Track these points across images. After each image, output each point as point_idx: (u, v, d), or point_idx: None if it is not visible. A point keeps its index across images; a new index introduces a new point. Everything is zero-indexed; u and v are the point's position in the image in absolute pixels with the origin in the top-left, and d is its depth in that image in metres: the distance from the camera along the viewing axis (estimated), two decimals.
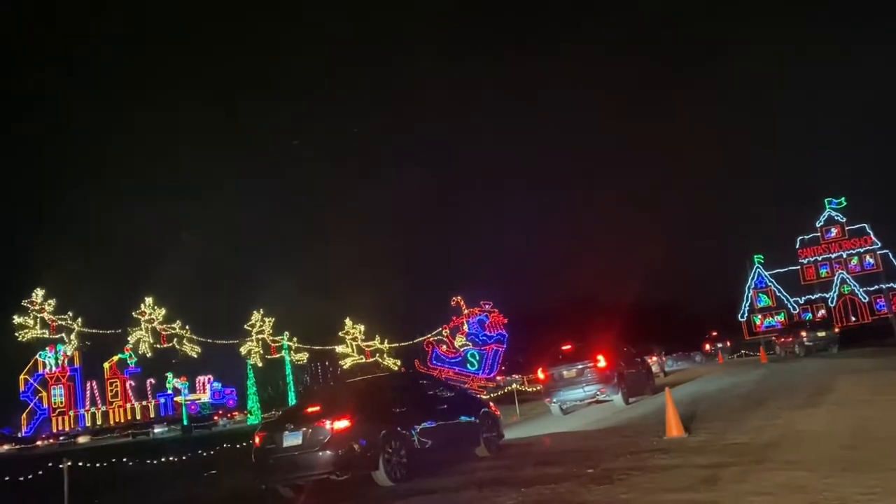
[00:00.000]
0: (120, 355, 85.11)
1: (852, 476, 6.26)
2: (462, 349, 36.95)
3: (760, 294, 65.00)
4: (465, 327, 37.34)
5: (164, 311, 31.84)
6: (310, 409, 10.21)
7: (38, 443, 61.61)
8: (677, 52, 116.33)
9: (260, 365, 39.01)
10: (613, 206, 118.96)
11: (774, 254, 65.31)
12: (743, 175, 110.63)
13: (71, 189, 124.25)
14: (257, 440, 10.06)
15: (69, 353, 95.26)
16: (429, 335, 37.53)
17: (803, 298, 62.73)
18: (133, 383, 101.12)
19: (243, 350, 35.37)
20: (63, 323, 29.65)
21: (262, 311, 35.38)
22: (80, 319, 30.30)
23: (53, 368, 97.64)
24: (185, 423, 55.91)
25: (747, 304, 65.36)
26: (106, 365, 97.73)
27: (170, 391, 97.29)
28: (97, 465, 13.21)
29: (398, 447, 9.72)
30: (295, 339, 37.00)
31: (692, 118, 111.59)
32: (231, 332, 36.75)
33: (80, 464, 12.74)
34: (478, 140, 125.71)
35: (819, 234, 62.77)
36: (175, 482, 14.46)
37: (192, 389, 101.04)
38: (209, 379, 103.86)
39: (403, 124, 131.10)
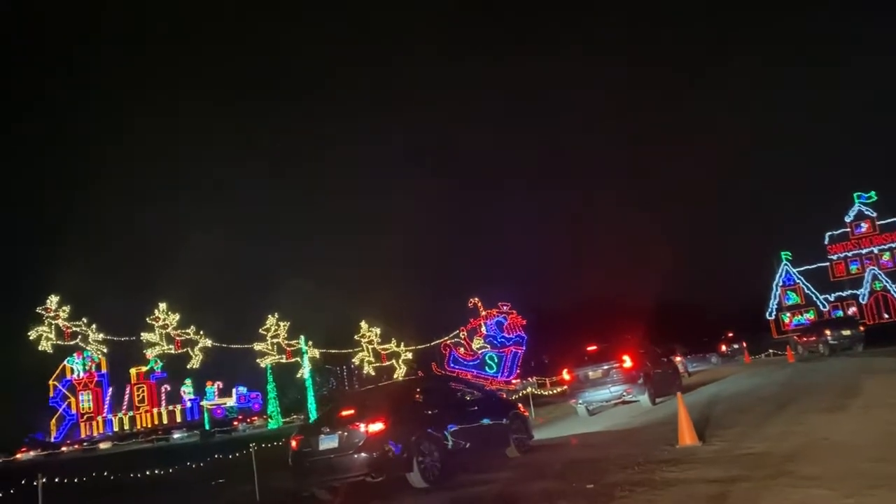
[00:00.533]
0: (150, 365, 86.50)
1: (880, 496, 5.59)
2: (480, 351, 36.39)
3: (788, 292, 63.46)
4: (483, 329, 36.79)
5: (178, 317, 31.67)
6: (344, 413, 10.41)
7: (64, 448, 61.94)
8: (695, 49, 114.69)
9: (272, 368, 38.79)
10: (635, 205, 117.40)
11: (802, 250, 63.78)
12: (767, 171, 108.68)
13: (82, 193, 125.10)
14: (294, 444, 10.23)
15: (96, 360, 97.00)
16: (446, 338, 37.00)
17: (833, 295, 61.04)
18: (168, 387, 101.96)
19: (258, 355, 35.06)
20: (78, 329, 29.57)
21: (276, 315, 35.14)
22: (94, 326, 30.22)
23: (81, 374, 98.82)
24: (207, 427, 55.87)
25: (775, 302, 63.87)
26: (132, 370, 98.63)
27: (193, 396, 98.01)
28: (93, 474, 12.80)
29: (431, 449, 9.84)
30: (310, 342, 36.67)
31: (716, 115, 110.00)
32: (247, 337, 36.49)
33: (81, 473, 12.41)
34: (495, 140, 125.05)
35: (848, 229, 61.07)
36: (176, 492, 14.06)
37: (223, 394, 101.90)
38: (235, 383, 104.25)
39: (411, 125, 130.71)
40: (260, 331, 34.93)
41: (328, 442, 9.67)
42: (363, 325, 37.43)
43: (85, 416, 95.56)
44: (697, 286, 77.21)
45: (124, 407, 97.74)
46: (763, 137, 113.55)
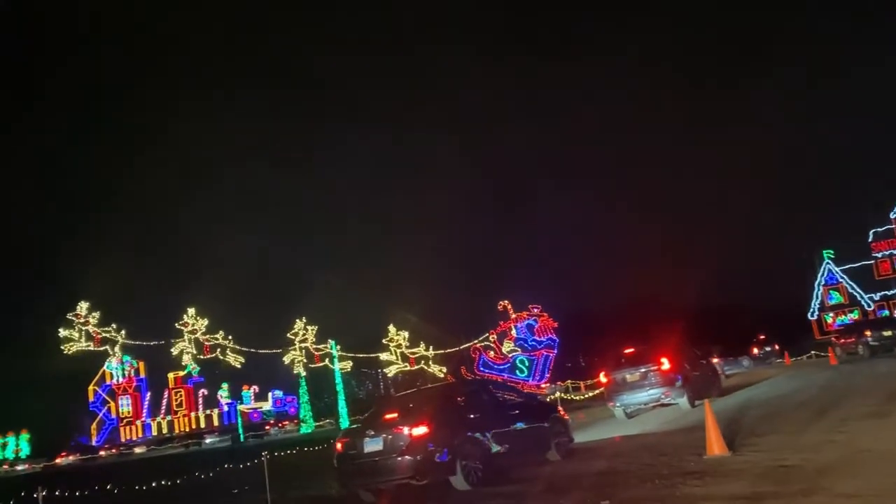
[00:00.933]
0: (187, 369, 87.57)
1: None
2: (510, 355, 35.74)
3: (831, 291, 61.48)
4: (513, 332, 36.12)
5: (206, 322, 31.71)
6: (388, 416, 10.49)
7: (102, 453, 62.82)
8: (733, 47, 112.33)
9: (304, 374, 38.60)
10: (673, 204, 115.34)
11: (845, 248, 61.79)
12: (808, 167, 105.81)
13: (110, 198, 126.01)
14: (339, 446, 10.35)
15: (135, 364, 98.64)
16: (475, 341, 36.44)
17: (878, 295, 58.98)
18: (206, 392, 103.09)
19: (286, 359, 34.96)
20: (107, 335, 29.75)
21: (304, 320, 35.00)
22: (123, 331, 30.39)
23: (120, 379, 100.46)
24: (241, 432, 56.09)
25: (817, 301, 61.95)
26: (170, 375, 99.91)
27: (230, 400, 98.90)
28: (107, 485, 12.54)
29: (474, 452, 9.91)
30: (338, 346, 36.44)
31: (755, 111, 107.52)
32: (278, 341, 36.41)
33: (103, 481, 12.15)
34: (529, 140, 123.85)
35: (894, 225, 58.97)
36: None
37: (260, 398, 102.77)
38: (270, 387, 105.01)
39: (445, 124, 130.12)
40: (288, 335, 34.91)
41: (373, 445, 9.74)
42: (391, 328, 37.17)
43: (124, 421, 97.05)
44: (737, 287, 75.32)
45: (162, 411, 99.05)
46: (804, 133, 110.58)
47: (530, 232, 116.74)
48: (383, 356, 37.49)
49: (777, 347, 41.87)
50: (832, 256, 61.61)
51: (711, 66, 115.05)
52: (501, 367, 35.03)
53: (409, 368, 36.83)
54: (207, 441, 54.96)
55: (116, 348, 30.08)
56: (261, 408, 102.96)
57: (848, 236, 63.94)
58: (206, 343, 30.85)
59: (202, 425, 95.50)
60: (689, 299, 58.03)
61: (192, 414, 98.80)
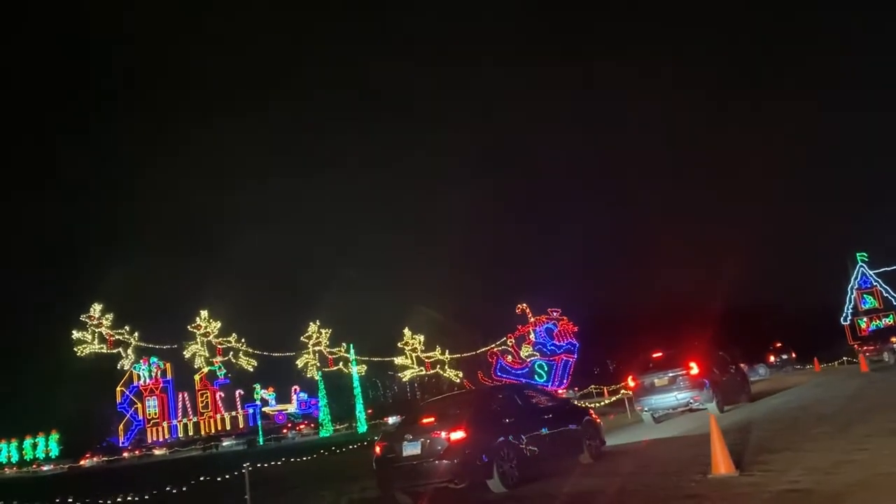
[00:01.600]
0: (211, 368, 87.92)
1: None
2: (529, 360, 34.91)
3: (865, 295, 59.65)
4: (532, 336, 35.29)
5: (219, 325, 31.41)
6: (425, 420, 10.63)
7: (125, 454, 63.13)
8: (765, 51, 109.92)
9: (323, 375, 38.17)
10: (701, 208, 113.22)
11: (880, 251, 59.88)
12: (841, 169, 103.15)
13: (127, 198, 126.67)
14: (378, 450, 10.54)
15: (161, 365, 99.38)
16: (493, 345, 35.67)
17: None
18: (223, 394, 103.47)
19: (300, 363, 34.57)
20: (120, 337, 29.59)
21: (318, 323, 34.56)
22: (137, 333, 30.22)
23: (147, 380, 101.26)
24: (261, 435, 55.93)
25: (850, 306, 60.13)
26: (196, 376, 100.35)
27: (256, 402, 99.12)
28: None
29: (510, 455, 10.03)
30: (353, 350, 35.96)
31: (785, 113, 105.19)
32: (294, 344, 36.01)
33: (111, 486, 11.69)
34: (551, 142, 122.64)
35: None
36: None
37: (284, 400, 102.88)
38: (296, 389, 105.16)
39: (468, 125, 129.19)
40: (301, 339, 34.50)
41: (411, 448, 9.91)
42: (406, 332, 36.56)
43: (151, 422, 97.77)
44: (769, 290, 73.55)
45: (189, 412, 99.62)
46: (836, 134, 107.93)
47: (553, 235, 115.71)
48: (398, 360, 36.89)
49: (794, 355, 41.55)
50: (866, 259, 59.78)
51: (741, 64, 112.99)
52: (519, 371, 34.22)
53: (424, 372, 36.27)
54: (225, 444, 54.89)
55: (129, 350, 29.89)
56: (286, 410, 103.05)
57: (883, 238, 62.10)
58: (219, 346, 30.59)
59: (228, 427, 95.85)
60: (717, 303, 56.64)
61: (218, 416, 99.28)
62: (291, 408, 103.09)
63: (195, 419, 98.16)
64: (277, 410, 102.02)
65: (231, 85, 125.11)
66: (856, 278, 59.94)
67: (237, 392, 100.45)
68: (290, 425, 68.48)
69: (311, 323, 34.57)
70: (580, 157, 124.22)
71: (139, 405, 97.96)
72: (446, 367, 36.60)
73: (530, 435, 10.64)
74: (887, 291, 58.27)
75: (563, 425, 11.53)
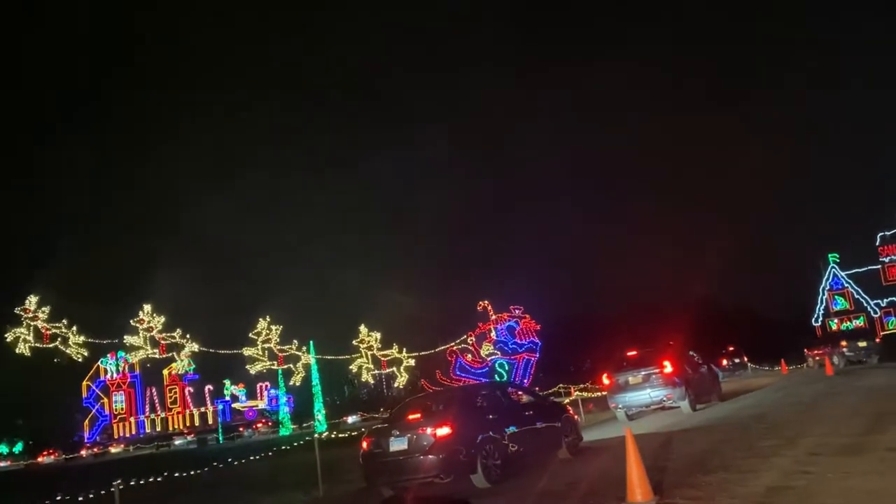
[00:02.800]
0: (181, 366, 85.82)
1: None
2: (489, 359, 33.76)
3: (836, 296, 59.11)
4: (493, 334, 34.13)
5: (163, 319, 29.94)
6: (412, 416, 10.88)
7: (83, 452, 61.30)
8: (739, 54, 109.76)
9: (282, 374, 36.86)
10: (677, 210, 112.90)
11: (851, 252, 59.46)
12: (814, 171, 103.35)
13: (73, 192, 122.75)
14: (365, 445, 10.66)
15: (129, 360, 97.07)
16: (452, 343, 34.46)
17: (885, 300, 56.61)
18: (192, 390, 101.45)
19: (252, 367, 33.23)
20: (57, 332, 28.00)
21: (268, 319, 33.21)
22: (75, 327, 28.61)
23: (114, 375, 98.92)
24: (220, 432, 54.51)
25: (822, 307, 59.63)
26: (165, 371, 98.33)
27: (226, 398, 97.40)
28: None
29: (493, 451, 10.25)
30: (304, 348, 34.69)
31: (760, 117, 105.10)
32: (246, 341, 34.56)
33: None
34: (527, 142, 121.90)
35: None
36: None
37: (252, 396, 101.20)
38: (266, 385, 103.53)
39: (431, 127, 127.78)
40: (250, 335, 33.17)
41: (398, 444, 10.06)
42: (363, 329, 35.26)
43: (118, 417, 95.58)
44: (741, 291, 73.25)
45: (157, 408, 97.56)
46: (810, 136, 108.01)
47: (522, 235, 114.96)
48: (355, 360, 35.50)
49: (745, 359, 42.12)
50: (837, 260, 59.29)
51: (715, 72, 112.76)
52: (479, 371, 33.07)
53: (381, 371, 35.03)
54: (177, 442, 53.39)
55: (68, 345, 28.29)
56: (256, 406, 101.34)
57: (854, 240, 61.80)
58: (163, 341, 29.18)
59: (196, 423, 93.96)
60: (691, 304, 56.17)
61: (187, 411, 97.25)
62: (262, 404, 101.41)
63: (163, 415, 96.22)
64: (248, 407, 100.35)
65: (200, 80, 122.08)
66: (827, 279, 59.47)
67: (206, 388, 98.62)
68: (261, 422, 66.60)
69: (260, 319, 33.26)
70: (557, 158, 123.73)
71: (105, 400, 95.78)
72: (402, 368, 35.33)
73: (512, 431, 10.89)
74: (858, 293, 57.80)
75: (543, 422, 11.79)
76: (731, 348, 44.70)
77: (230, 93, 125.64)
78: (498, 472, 10.12)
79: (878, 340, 33.95)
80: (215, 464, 13.22)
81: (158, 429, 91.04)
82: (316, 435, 13.85)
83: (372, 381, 36.23)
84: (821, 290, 59.68)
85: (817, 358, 32.95)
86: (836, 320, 58.35)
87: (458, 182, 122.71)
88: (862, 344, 31.82)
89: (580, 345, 62.82)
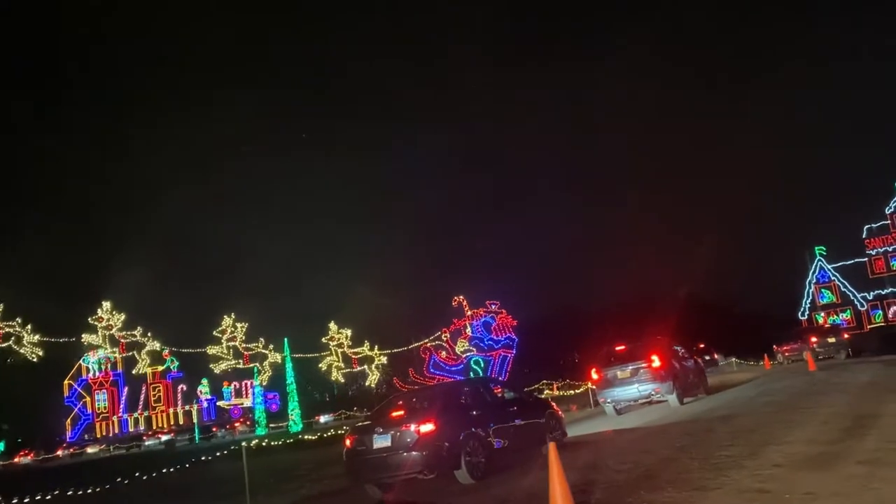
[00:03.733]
0: (166, 364, 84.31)
1: None
2: (465, 355, 32.70)
3: (823, 290, 58.43)
4: (469, 331, 33.07)
5: (123, 317, 28.74)
6: (395, 414, 10.92)
7: (59, 453, 59.94)
8: (732, 50, 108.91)
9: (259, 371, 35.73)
10: (664, 205, 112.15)
11: (838, 245, 58.71)
12: (800, 162, 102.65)
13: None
14: (348, 442, 10.62)
15: (111, 358, 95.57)
16: (426, 340, 33.37)
17: (872, 293, 55.90)
18: (185, 387, 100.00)
19: (217, 368, 32.10)
20: (10, 331, 26.81)
21: (233, 317, 32.03)
22: (29, 326, 27.39)
23: (97, 373, 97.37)
24: (197, 432, 53.35)
25: (808, 301, 58.92)
26: (149, 370, 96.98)
27: (210, 396, 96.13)
28: None
29: (477, 447, 10.27)
30: (271, 346, 33.59)
31: (746, 109, 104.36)
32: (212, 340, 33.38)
33: None
34: (515, 141, 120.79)
35: (889, 221, 55.87)
36: None
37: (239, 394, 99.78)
38: (251, 383, 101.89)
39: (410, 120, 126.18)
40: (214, 333, 32.00)
41: (381, 441, 10.00)
42: (332, 326, 34.11)
43: (100, 416, 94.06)
44: (727, 286, 72.44)
45: (140, 407, 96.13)
46: (798, 129, 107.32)
47: (505, 231, 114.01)
48: (323, 364, 34.40)
49: (715, 356, 42.61)
50: (824, 253, 58.56)
51: (703, 66, 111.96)
52: (454, 368, 32.02)
53: (352, 369, 33.91)
54: (148, 443, 52.27)
55: (22, 344, 27.09)
56: (241, 404, 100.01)
57: (841, 233, 61.10)
58: (122, 340, 28.03)
59: (181, 421, 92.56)
60: (679, 298, 55.52)
61: (171, 410, 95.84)
62: (248, 402, 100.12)
63: (147, 413, 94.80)
64: (233, 405, 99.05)
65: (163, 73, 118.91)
66: (814, 272, 58.73)
67: (180, 386, 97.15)
68: (239, 421, 65.30)
69: (225, 316, 32.06)
70: (545, 155, 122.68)
71: (88, 399, 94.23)
72: (374, 366, 34.20)
73: (496, 427, 10.89)
74: (845, 286, 57.08)
75: (527, 418, 11.82)
76: (702, 345, 44.37)
77: (207, 88, 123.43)
78: (482, 469, 10.14)
79: (845, 337, 34.56)
80: (136, 474, 12.29)
81: (142, 427, 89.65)
82: (245, 444, 12.81)
83: (342, 380, 35.02)
84: (807, 283, 58.97)
85: (787, 354, 33.25)
86: (822, 314, 57.66)
87: (437, 179, 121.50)
88: (831, 340, 32.40)
89: (564, 340, 61.92)
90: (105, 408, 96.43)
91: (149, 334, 29.14)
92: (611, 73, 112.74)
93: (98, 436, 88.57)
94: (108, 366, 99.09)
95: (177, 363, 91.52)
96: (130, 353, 28.76)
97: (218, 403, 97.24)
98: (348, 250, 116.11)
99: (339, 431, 21.55)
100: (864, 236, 56.97)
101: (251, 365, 33.38)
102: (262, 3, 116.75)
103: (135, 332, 29.17)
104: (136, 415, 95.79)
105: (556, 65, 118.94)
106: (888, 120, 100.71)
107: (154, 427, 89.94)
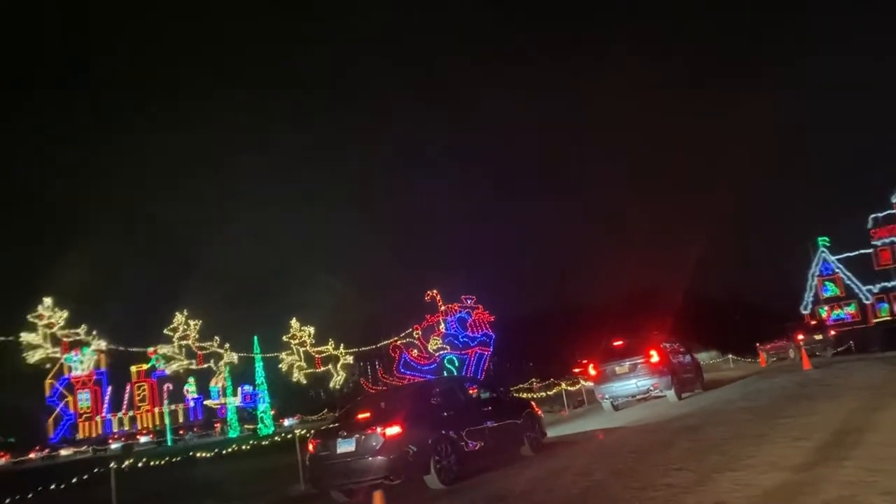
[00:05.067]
0: (151, 363, 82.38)
1: None
2: (438, 354, 30.56)
3: (826, 282, 55.78)
4: (442, 327, 30.93)
5: (66, 314, 26.85)
6: (361, 416, 10.43)
7: (32, 455, 58.20)
8: (724, 41, 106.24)
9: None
10: (662, 196, 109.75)
11: (842, 236, 56.17)
12: (803, 151, 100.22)
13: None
14: (311, 447, 10.27)
15: (94, 357, 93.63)
16: (396, 338, 31.22)
17: (878, 286, 53.35)
18: (171, 387, 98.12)
19: (165, 366, 30.23)
20: None
21: (185, 313, 30.11)
22: None
23: (80, 372, 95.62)
24: (169, 433, 51.46)
25: (811, 294, 56.40)
26: (133, 368, 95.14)
27: (196, 395, 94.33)
28: None
29: (448, 451, 9.87)
30: (227, 344, 31.68)
31: (745, 95, 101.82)
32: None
33: None
34: (505, 136, 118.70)
35: (895, 210, 53.34)
36: None
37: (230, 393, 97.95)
38: (240, 382, 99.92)
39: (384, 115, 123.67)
40: (165, 331, 30.13)
41: (345, 446, 9.66)
42: (294, 323, 32.09)
43: (83, 416, 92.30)
44: (728, 280, 70.16)
45: (124, 406, 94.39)
46: (800, 116, 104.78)
47: (493, 227, 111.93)
48: (284, 364, 32.36)
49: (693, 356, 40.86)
50: (827, 244, 56.01)
51: (705, 55, 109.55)
52: (426, 367, 29.88)
53: (315, 370, 31.86)
54: (113, 447, 50.61)
55: None
56: (225, 403, 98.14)
57: (845, 223, 58.68)
58: (65, 339, 26.25)
59: (166, 421, 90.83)
60: (678, 293, 53.31)
61: (156, 409, 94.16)
62: (237, 401, 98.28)
63: (131, 413, 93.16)
64: (220, 404, 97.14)
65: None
66: (817, 264, 56.24)
67: (166, 385, 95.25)
68: (184, 428, 63.34)
69: (177, 313, 30.16)
70: (536, 151, 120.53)
71: (70, 398, 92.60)
72: (339, 366, 32.10)
73: (470, 429, 10.48)
74: (849, 278, 54.52)
75: (503, 418, 11.36)
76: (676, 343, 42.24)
77: (191, 87, 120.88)
78: (453, 473, 9.75)
79: (832, 334, 34.37)
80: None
81: (126, 427, 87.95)
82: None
83: (304, 381, 33.09)
84: (810, 275, 56.47)
85: (771, 352, 32.77)
86: (826, 307, 55.17)
87: (437, 179, 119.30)
88: (818, 337, 32.14)
89: (555, 337, 59.96)
90: (88, 407, 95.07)
91: (94, 332, 27.40)
92: (611, 68, 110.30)
93: (81, 436, 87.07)
94: (91, 364, 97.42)
95: (162, 362, 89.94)
96: (72, 353, 26.96)
97: (205, 403, 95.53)
98: (319, 248, 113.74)
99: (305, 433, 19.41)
100: (869, 226, 54.35)
101: (204, 365, 31.46)
102: (250, 4, 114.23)
103: (78, 331, 27.33)
104: (119, 415, 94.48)
105: (550, 64, 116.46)
106: (892, 108, 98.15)
107: (140, 427, 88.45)
